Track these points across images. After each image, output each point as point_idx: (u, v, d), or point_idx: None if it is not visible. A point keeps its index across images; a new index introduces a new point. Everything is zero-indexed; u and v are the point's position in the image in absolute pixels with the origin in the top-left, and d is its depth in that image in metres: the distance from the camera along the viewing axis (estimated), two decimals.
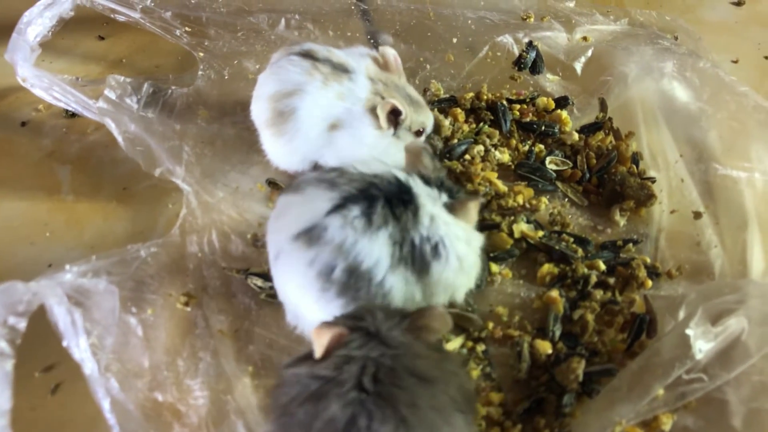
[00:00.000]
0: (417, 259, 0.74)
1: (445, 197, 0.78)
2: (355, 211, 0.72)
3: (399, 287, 0.74)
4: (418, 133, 0.94)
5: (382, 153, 0.89)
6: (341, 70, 0.92)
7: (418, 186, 0.76)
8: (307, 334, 0.80)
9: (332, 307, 0.73)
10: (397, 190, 0.75)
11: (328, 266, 0.72)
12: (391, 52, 0.93)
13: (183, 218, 0.92)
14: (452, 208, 0.77)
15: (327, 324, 0.63)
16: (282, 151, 0.96)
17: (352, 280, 0.72)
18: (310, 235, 0.72)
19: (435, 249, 0.74)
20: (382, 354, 0.60)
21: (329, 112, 0.91)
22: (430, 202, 0.76)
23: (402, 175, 0.77)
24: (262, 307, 0.87)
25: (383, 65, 0.93)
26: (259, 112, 0.95)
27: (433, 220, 0.75)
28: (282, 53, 0.95)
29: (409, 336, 0.63)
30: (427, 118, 0.94)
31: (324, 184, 0.75)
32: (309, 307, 0.76)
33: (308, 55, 0.93)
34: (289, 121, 0.93)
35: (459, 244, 0.77)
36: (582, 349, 0.83)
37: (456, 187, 0.81)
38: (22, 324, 0.66)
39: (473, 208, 0.78)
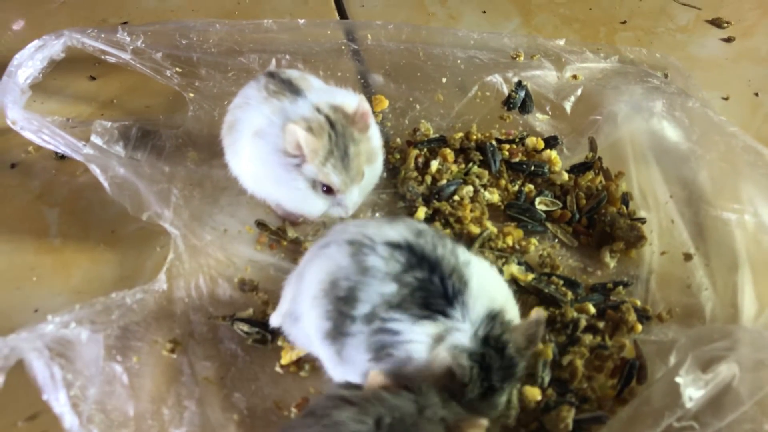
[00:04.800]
0: None
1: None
2: None
3: None
4: (328, 190, 0.87)
5: (278, 180, 0.88)
6: (291, 90, 0.90)
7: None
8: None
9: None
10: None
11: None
12: (360, 107, 0.87)
13: (170, 263, 0.92)
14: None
15: (384, 374, 0.66)
16: (231, 163, 0.96)
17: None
18: None
19: None
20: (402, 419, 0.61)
21: (258, 122, 0.89)
22: None
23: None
24: (249, 353, 0.86)
25: (351, 116, 0.87)
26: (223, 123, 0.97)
27: None
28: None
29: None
30: (339, 182, 0.86)
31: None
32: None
33: (270, 74, 0.93)
34: (233, 131, 0.93)
35: None
36: (572, 395, 0.82)
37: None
38: None
39: None
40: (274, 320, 0.82)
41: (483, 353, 0.67)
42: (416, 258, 0.70)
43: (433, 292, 0.69)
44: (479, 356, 0.67)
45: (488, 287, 0.73)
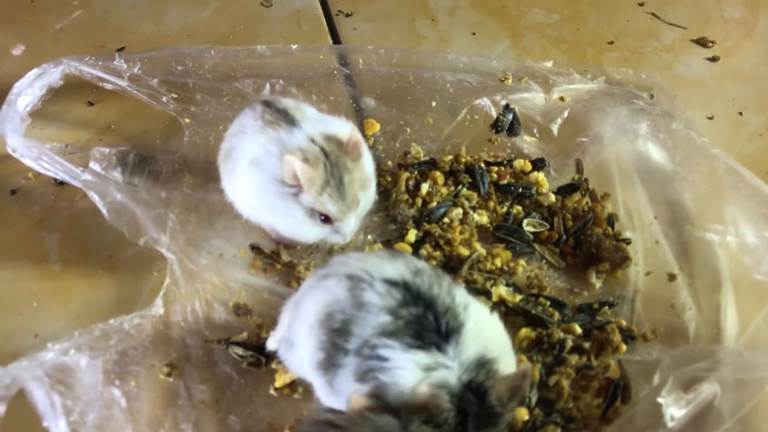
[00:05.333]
0: None
1: None
2: None
3: None
4: (326, 219, 0.90)
5: (275, 208, 0.91)
6: (286, 121, 0.92)
7: None
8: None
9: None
10: None
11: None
12: (352, 137, 0.90)
13: (167, 287, 0.94)
14: None
15: (367, 396, 0.68)
16: (227, 189, 0.99)
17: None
18: None
19: None
20: None
21: (254, 151, 0.91)
22: None
23: None
24: (244, 376, 0.88)
25: (344, 145, 0.90)
26: (219, 150, 1.00)
27: None
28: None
29: None
30: (337, 211, 0.88)
31: None
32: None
33: (266, 103, 0.96)
34: (230, 159, 0.96)
35: None
36: (558, 415, 0.84)
37: None
38: (1, 409, 0.68)
39: None
40: (271, 344, 0.84)
41: (462, 397, 0.68)
42: (411, 296, 0.72)
43: (426, 326, 0.70)
44: (459, 400, 0.67)
45: (485, 335, 0.73)
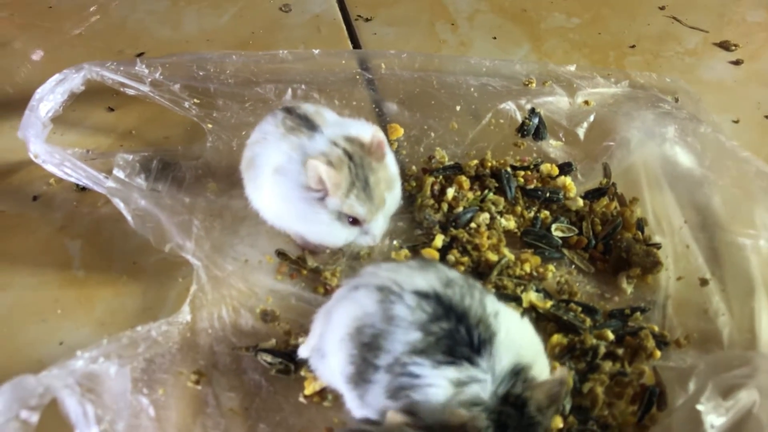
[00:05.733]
0: None
1: None
2: None
3: None
4: (354, 221, 0.89)
5: (302, 215, 0.91)
6: (307, 126, 0.92)
7: None
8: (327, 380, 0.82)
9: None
10: None
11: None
12: (375, 137, 0.89)
13: (193, 294, 0.93)
14: None
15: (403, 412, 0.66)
16: (252, 197, 0.98)
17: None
18: None
19: None
20: None
21: (277, 159, 0.91)
22: None
23: None
24: (272, 383, 0.87)
25: (367, 146, 0.89)
26: (242, 158, 0.99)
27: None
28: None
29: None
30: (365, 212, 0.88)
31: None
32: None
33: (287, 110, 0.95)
34: (253, 167, 0.95)
35: None
36: (593, 423, 0.83)
37: None
38: (34, 418, 0.67)
39: None
40: (303, 352, 0.83)
41: (501, 411, 0.65)
42: (443, 308, 0.70)
43: (459, 341, 0.68)
44: (497, 414, 0.65)
45: (517, 341, 0.71)
